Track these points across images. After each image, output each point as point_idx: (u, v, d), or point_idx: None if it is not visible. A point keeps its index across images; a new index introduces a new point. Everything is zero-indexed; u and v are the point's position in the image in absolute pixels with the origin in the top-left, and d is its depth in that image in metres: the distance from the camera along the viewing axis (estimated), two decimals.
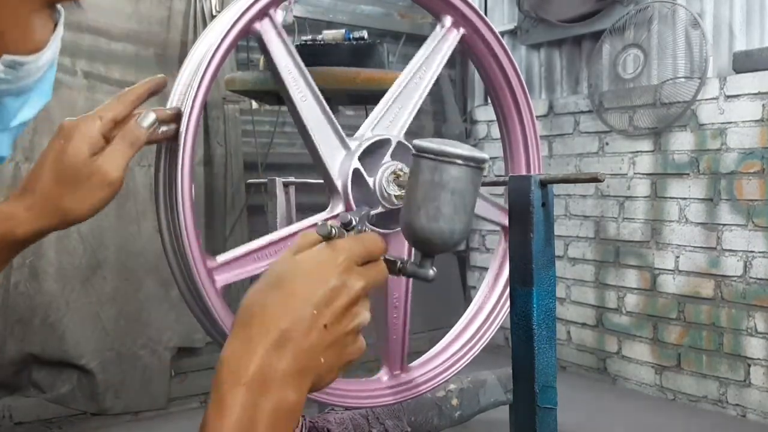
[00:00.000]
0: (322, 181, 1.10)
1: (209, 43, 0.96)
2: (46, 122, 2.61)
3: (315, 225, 0.63)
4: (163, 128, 0.88)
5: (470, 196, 0.78)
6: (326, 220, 0.75)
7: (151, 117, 0.83)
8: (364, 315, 0.60)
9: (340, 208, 1.07)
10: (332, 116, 1.08)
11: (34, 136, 2.60)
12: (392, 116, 1.14)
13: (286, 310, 0.55)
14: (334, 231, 0.61)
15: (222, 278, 0.98)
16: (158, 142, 0.90)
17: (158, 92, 0.86)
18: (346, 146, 1.07)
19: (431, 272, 0.81)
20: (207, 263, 0.95)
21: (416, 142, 0.79)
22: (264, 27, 1.02)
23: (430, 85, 1.18)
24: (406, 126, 1.16)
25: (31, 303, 2.62)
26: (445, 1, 1.21)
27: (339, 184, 1.06)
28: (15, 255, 0.81)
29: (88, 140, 0.79)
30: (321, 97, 1.08)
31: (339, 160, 1.07)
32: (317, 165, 1.07)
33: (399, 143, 1.11)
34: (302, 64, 1.06)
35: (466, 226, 0.80)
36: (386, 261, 0.66)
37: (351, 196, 1.06)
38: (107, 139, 0.80)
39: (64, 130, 0.80)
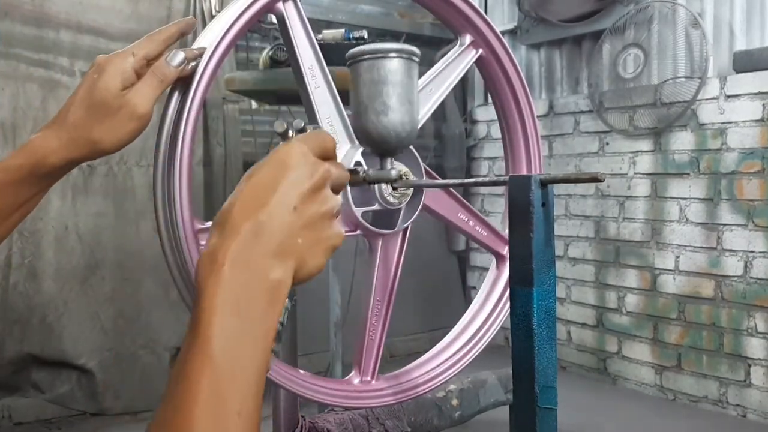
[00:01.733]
0: None
1: (209, 41, 0.96)
2: (45, 123, 2.61)
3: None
4: (192, 64, 0.91)
5: (410, 87, 0.83)
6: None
7: (180, 56, 0.86)
8: (334, 199, 0.62)
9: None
10: (342, 108, 1.08)
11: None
12: None
13: (254, 202, 0.57)
14: (290, 131, 0.64)
15: None
16: (187, 77, 0.92)
17: (188, 33, 0.91)
18: (352, 140, 1.08)
19: (393, 172, 0.84)
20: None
21: (349, 52, 0.83)
22: (287, 7, 1.03)
23: (440, 100, 1.18)
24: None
25: (30, 303, 2.62)
26: (467, 20, 1.21)
27: None
28: (49, 186, 0.85)
29: (121, 74, 0.83)
30: (334, 88, 1.08)
31: (343, 152, 1.07)
32: None
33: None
34: (320, 52, 1.07)
35: (412, 117, 0.84)
36: (350, 171, 0.69)
37: (348, 188, 1.06)
38: (139, 75, 0.84)
39: (98, 64, 0.85)
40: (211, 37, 0.97)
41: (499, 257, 1.29)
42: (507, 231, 1.25)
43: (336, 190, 0.63)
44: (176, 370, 0.51)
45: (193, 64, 0.92)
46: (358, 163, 0.80)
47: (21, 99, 2.59)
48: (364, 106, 0.81)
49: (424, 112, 1.16)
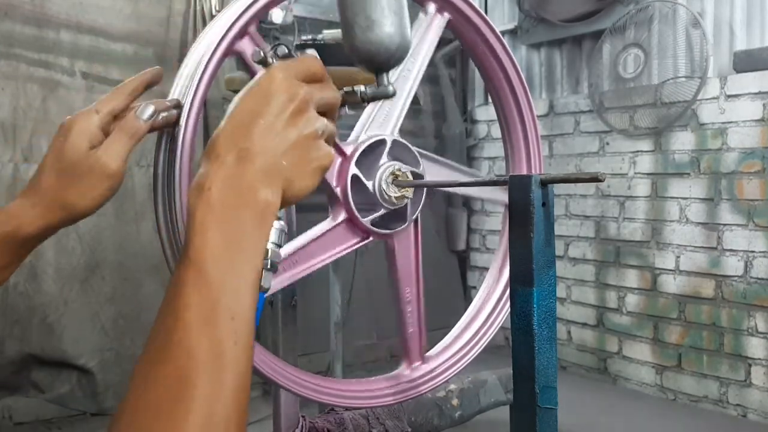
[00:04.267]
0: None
1: (209, 40, 0.96)
2: (45, 123, 2.61)
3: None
4: (163, 114, 0.87)
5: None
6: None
7: (150, 109, 0.83)
8: (319, 120, 0.62)
9: (342, 216, 1.07)
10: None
11: (33, 137, 2.60)
12: (384, 114, 1.13)
13: (239, 130, 0.58)
14: (269, 58, 0.63)
15: None
16: (159, 129, 0.89)
17: (155, 84, 0.86)
18: (341, 152, 1.07)
19: (391, 88, 0.83)
20: None
21: None
22: (244, 45, 1.00)
23: (420, 76, 1.16)
24: (400, 122, 1.14)
25: (30, 303, 2.62)
26: None
27: (339, 191, 1.06)
28: (26, 254, 0.84)
29: (87, 134, 0.80)
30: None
31: (336, 168, 1.06)
32: None
33: (395, 141, 1.10)
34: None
35: (401, 30, 0.81)
36: (346, 93, 0.69)
37: (352, 203, 1.06)
38: (106, 132, 0.81)
39: (63, 127, 0.82)
40: (212, 36, 0.97)
41: (407, 360, 1.24)
42: (433, 351, 1.27)
43: (329, 113, 0.64)
44: (170, 288, 0.52)
45: (164, 114, 0.87)
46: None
47: (21, 99, 2.59)
48: (349, 24, 0.79)
49: (405, 96, 1.14)
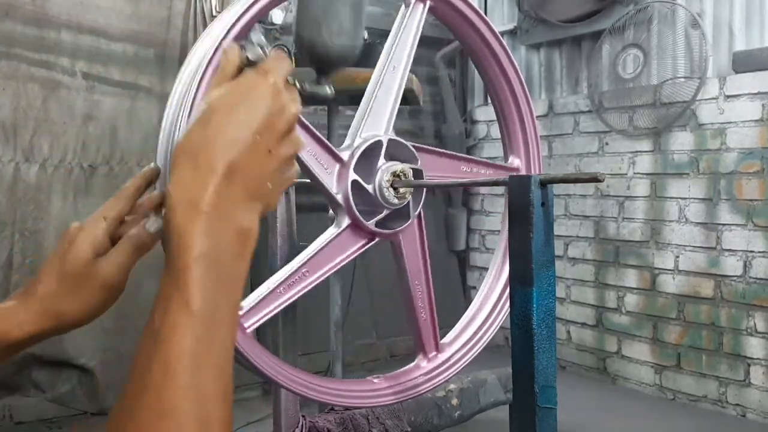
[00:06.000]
0: None
1: (210, 40, 0.96)
2: (46, 123, 2.61)
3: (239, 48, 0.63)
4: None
5: (362, 9, 0.79)
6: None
7: (158, 222, 0.79)
8: (301, 140, 0.61)
9: (346, 221, 1.07)
10: (318, 134, 1.05)
11: (33, 137, 2.60)
12: (376, 113, 1.11)
13: (230, 139, 0.55)
14: (262, 55, 0.61)
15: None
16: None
17: (154, 181, 0.84)
18: (338, 159, 1.06)
19: (329, 90, 0.82)
20: None
21: None
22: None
23: (408, 70, 1.14)
24: (393, 119, 1.12)
25: None
26: None
27: (340, 198, 1.05)
28: (9, 357, 0.79)
29: (92, 241, 0.77)
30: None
31: (335, 176, 1.06)
32: (315, 184, 1.06)
33: (390, 141, 1.10)
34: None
35: (359, 39, 0.81)
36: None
37: (354, 207, 1.06)
38: (113, 238, 0.79)
39: (68, 233, 0.79)
40: (213, 37, 0.97)
41: (423, 352, 1.25)
42: (446, 339, 1.27)
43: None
44: (156, 319, 0.52)
45: None
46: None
47: (22, 99, 2.59)
48: (316, 23, 0.78)
49: (394, 94, 1.12)
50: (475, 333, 1.27)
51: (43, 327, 0.76)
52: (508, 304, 1.09)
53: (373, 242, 1.10)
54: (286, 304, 1.03)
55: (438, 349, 1.22)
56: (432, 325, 1.22)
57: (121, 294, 0.79)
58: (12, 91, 2.57)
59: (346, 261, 1.09)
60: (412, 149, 1.11)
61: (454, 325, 1.30)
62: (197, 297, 0.52)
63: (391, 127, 1.12)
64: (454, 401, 1.91)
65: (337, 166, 1.06)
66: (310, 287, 1.05)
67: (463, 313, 1.31)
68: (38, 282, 0.77)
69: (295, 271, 1.03)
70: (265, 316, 1.01)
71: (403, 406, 1.72)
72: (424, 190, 1.14)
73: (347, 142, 1.09)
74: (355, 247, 1.10)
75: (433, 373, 1.21)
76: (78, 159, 2.70)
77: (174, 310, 0.52)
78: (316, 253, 1.05)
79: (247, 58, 0.61)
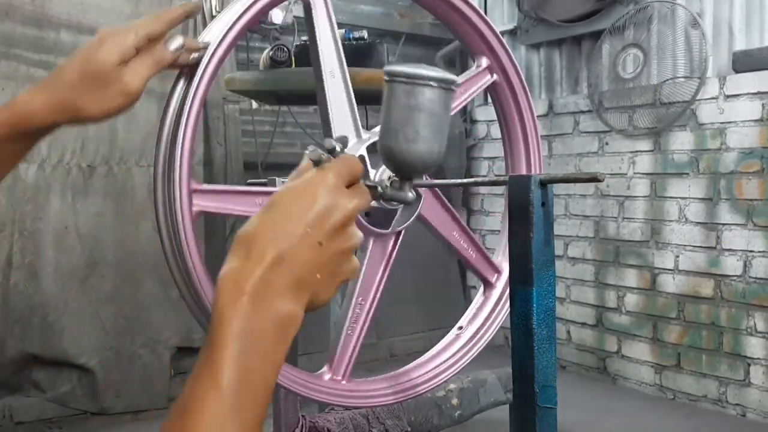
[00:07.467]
0: None
1: (210, 41, 0.97)
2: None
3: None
4: (194, 55, 0.93)
5: (445, 116, 0.82)
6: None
7: (179, 41, 0.88)
8: (358, 235, 0.62)
9: (370, 243, 1.11)
10: (354, 101, 1.08)
11: None
12: (341, 125, 1.12)
13: (281, 231, 0.57)
14: (323, 156, 0.64)
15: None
16: (181, 67, 0.93)
17: (194, 14, 0.93)
18: (358, 133, 1.09)
19: (410, 194, 0.84)
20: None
21: (387, 67, 0.81)
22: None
23: (346, 69, 1.14)
24: (359, 122, 1.15)
25: (30, 302, 2.62)
26: (486, 43, 1.22)
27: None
28: (32, 144, 0.85)
29: (120, 48, 0.83)
30: (348, 80, 1.09)
31: (349, 145, 1.08)
32: None
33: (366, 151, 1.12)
34: (339, 41, 1.09)
35: (442, 147, 0.82)
36: (367, 187, 0.69)
37: (370, 226, 1.08)
38: (139, 52, 0.85)
39: (100, 34, 0.85)
40: (213, 35, 0.97)
41: (487, 283, 1.28)
42: (498, 258, 1.27)
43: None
44: (186, 392, 0.53)
45: (195, 55, 0.93)
46: (374, 182, 0.80)
47: None
48: (394, 129, 0.80)
49: (346, 98, 1.13)
50: (473, 336, 1.27)
51: (60, 118, 0.82)
52: (507, 304, 1.10)
53: (400, 236, 1.13)
54: (363, 337, 1.12)
55: (498, 270, 1.27)
56: (483, 257, 1.26)
57: (135, 102, 0.85)
58: (11, 92, 2.57)
59: (388, 269, 1.14)
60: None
61: (453, 325, 1.30)
62: (227, 373, 0.52)
63: (362, 131, 1.12)
64: (454, 401, 1.91)
65: (355, 139, 1.08)
66: (372, 311, 1.13)
67: (463, 313, 1.31)
68: (61, 74, 0.83)
69: (354, 305, 1.11)
70: (351, 358, 1.11)
71: (403, 406, 1.71)
72: (414, 215, 1.16)
73: (375, 129, 1.11)
74: (387, 253, 1.14)
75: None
76: (77, 159, 2.70)
77: (203, 384, 0.52)
78: (360, 281, 1.11)
79: (319, 159, 0.64)
